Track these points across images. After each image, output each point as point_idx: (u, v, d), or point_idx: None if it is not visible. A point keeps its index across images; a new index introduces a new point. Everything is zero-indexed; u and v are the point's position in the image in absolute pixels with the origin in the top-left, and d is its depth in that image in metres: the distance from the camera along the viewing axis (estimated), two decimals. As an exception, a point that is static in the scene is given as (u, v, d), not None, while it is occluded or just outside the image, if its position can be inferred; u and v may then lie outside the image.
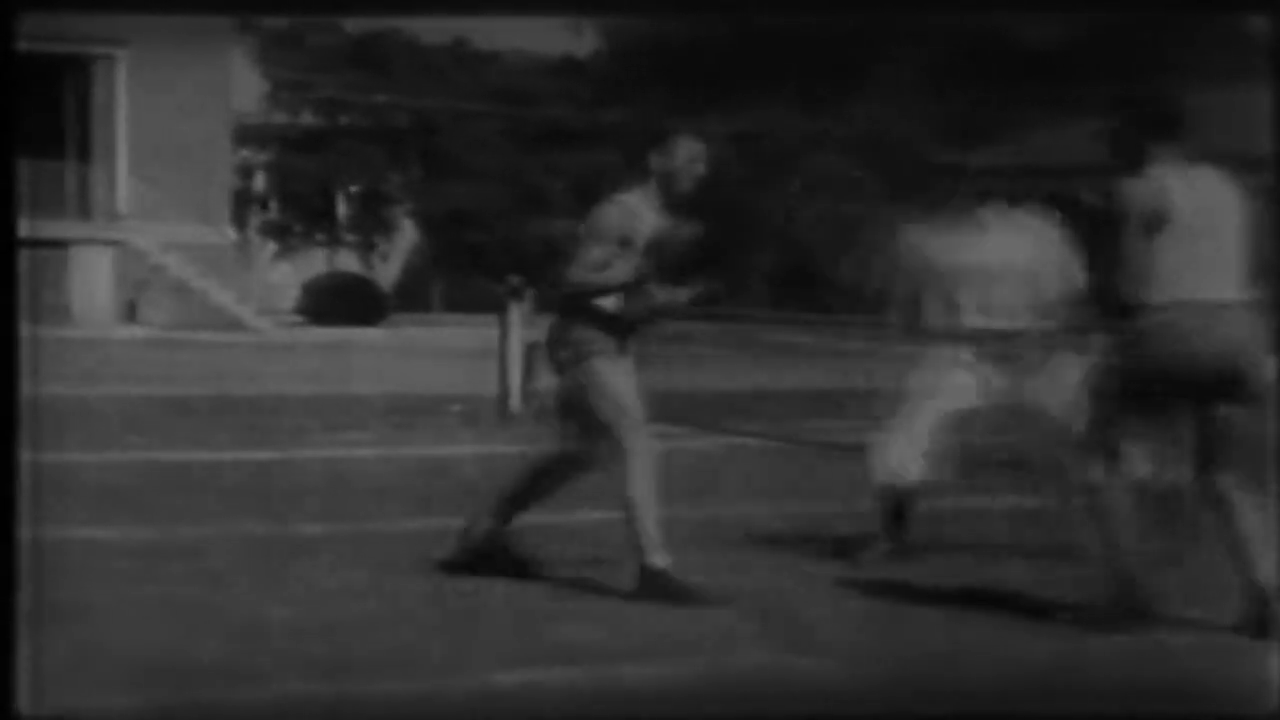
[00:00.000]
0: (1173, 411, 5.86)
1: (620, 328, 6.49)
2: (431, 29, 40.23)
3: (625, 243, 6.44)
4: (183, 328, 29.61)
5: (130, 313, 31.57)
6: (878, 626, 6.05)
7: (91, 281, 31.84)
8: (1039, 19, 40.79)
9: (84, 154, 32.82)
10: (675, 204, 6.52)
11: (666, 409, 13.76)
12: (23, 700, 4.76)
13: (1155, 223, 5.72)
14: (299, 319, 33.81)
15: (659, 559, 6.25)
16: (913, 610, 6.28)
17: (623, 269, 6.42)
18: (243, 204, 37.36)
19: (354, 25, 39.11)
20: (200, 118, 32.76)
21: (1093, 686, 5.30)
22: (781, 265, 37.47)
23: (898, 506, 7.25)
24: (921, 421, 7.12)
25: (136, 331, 29.22)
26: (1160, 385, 5.77)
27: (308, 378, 18.09)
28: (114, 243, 32.19)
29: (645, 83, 43.11)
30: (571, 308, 6.52)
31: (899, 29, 40.70)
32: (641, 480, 6.28)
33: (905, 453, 7.11)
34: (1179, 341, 5.73)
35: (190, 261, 32.35)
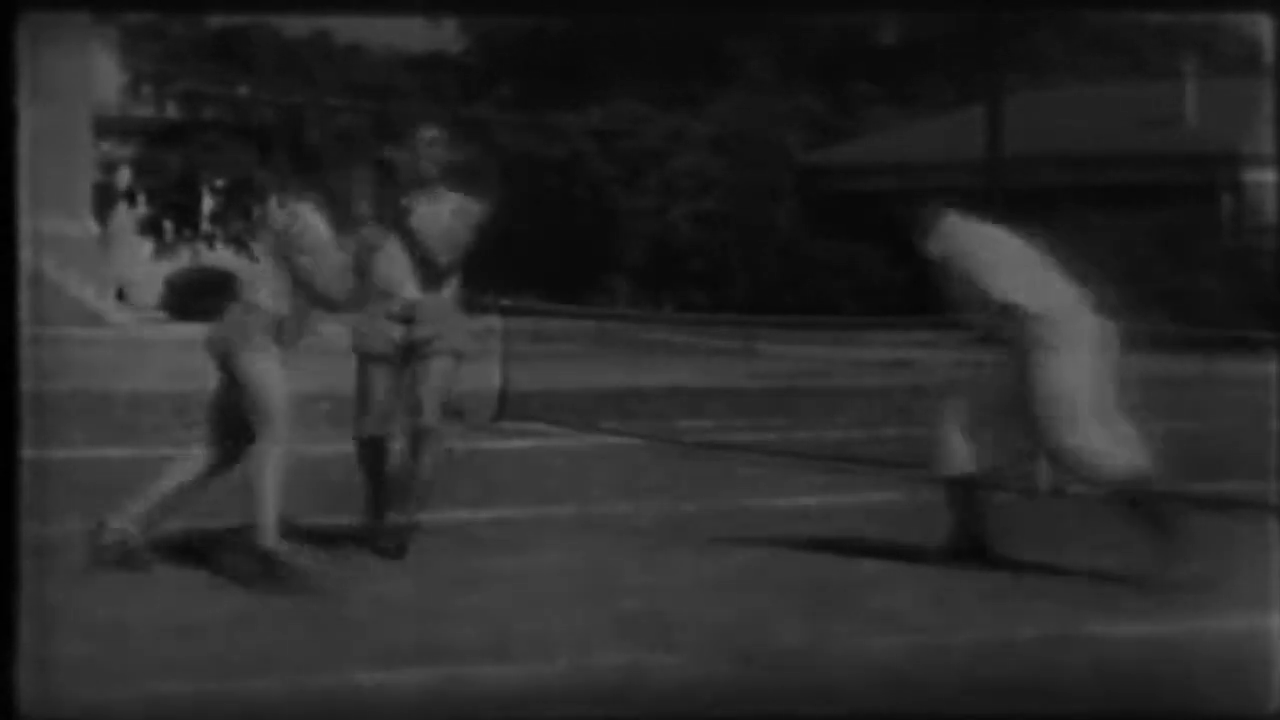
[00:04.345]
0: None
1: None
2: (293, 23, 39.88)
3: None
4: (40, 322, 29.10)
5: (-15, 306, 30.97)
6: (738, 625, 6.09)
7: (-56, 274, 31.18)
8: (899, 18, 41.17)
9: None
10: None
11: (538, 408, 13.79)
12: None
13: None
14: (162, 314, 33.34)
15: (271, 542, 6.56)
16: (773, 608, 6.33)
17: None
18: (105, 197, 36.74)
19: (215, 18, 38.59)
20: (60, 108, 32.20)
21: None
22: (652, 263, 37.54)
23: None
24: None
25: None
26: None
27: (170, 374, 17.85)
28: (-32, 235, 31.55)
29: (509, 77, 43.02)
30: None
31: (764, 26, 40.93)
32: (273, 472, 6.64)
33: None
34: None
35: (49, 254, 31.80)
